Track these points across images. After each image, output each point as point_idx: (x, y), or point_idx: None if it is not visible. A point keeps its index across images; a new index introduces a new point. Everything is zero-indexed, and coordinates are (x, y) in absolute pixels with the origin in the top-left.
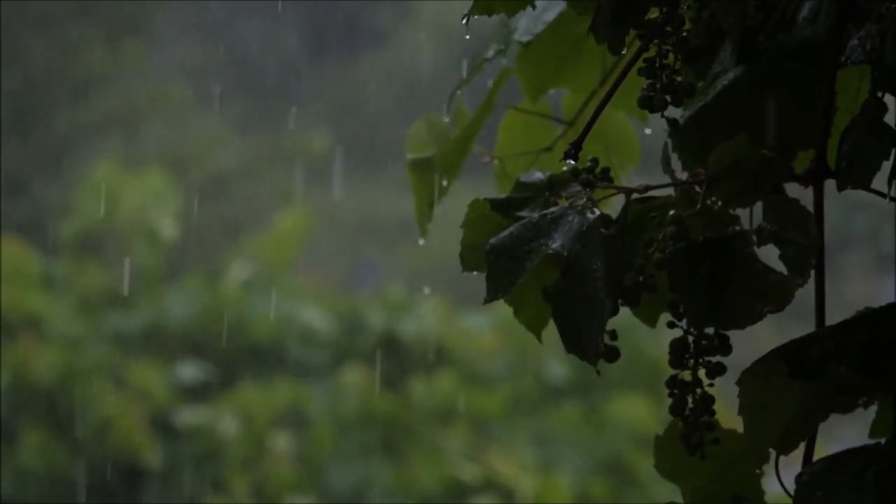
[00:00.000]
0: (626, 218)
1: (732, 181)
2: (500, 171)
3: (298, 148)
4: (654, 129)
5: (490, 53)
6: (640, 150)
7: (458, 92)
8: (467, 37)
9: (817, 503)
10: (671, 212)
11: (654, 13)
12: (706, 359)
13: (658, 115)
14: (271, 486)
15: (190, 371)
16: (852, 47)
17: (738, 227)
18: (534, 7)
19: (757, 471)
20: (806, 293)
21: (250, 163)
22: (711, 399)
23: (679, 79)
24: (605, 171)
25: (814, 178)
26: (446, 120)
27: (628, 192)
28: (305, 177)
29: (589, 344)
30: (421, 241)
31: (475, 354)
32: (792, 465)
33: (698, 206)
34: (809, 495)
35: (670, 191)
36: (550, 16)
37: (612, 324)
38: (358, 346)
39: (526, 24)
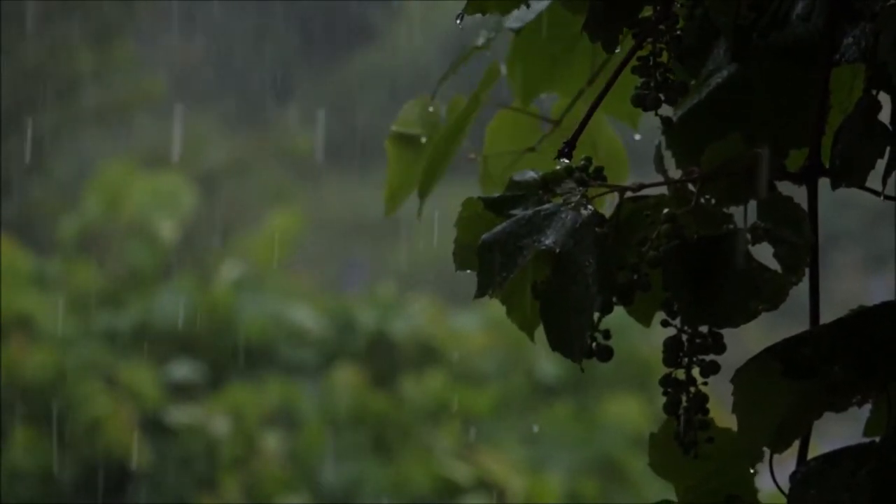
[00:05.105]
0: (620, 216)
1: (726, 179)
2: (483, 170)
3: (287, 146)
4: (646, 128)
5: (480, 41)
6: (629, 163)
7: (446, 82)
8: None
9: (811, 502)
10: (665, 210)
11: (647, 11)
12: (700, 357)
13: (650, 114)
14: (262, 486)
15: (180, 370)
16: (846, 45)
17: (731, 226)
18: (528, 6)
19: (751, 469)
20: (797, 291)
21: (239, 161)
22: (705, 397)
23: (673, 77)
24: (599, 169)
25: (808, 177)
26: (436, 108)
27: (622, 190)
28: (294, 175)
29: (576, 341)
30: (386, 216)
31: (466, 353)
32: (786, 463)
33: (692, 204)
34: (804, 494)
35: (664, 189)
36: (541, 5)
37: (604, 323)
38: (348, 346)
39: (517, 14)
